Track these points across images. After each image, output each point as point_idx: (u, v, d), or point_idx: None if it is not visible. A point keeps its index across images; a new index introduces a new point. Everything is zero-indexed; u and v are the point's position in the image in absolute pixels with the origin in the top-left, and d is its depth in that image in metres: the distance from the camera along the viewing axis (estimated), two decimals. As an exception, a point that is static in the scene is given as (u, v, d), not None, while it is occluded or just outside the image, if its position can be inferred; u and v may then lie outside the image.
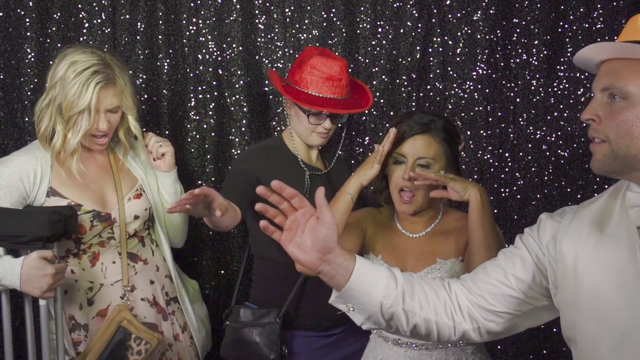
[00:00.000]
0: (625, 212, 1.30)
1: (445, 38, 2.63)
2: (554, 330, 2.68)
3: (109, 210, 2.08)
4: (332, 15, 2.58)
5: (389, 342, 1.88)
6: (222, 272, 2.61)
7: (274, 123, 2.60)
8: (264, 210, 1.30)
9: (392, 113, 2.62)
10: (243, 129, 2.57)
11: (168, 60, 2.53)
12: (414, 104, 2.63)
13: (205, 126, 2.57)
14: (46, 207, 2.01)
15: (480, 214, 1.77)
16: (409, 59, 2.62)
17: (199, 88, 2.56)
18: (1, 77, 2.43)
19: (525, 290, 1.43)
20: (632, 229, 1.27)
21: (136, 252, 2.15)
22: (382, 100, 2.63)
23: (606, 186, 2.58)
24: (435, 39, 2.63)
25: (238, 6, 2.54)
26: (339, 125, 2.26)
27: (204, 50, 2.55)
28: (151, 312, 2.15)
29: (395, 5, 2.60)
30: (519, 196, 2.71)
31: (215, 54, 2.55)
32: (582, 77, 2.66)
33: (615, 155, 1.25)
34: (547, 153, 2.71)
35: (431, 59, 2.64)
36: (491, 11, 2.63)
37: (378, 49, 2.61)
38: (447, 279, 1.51)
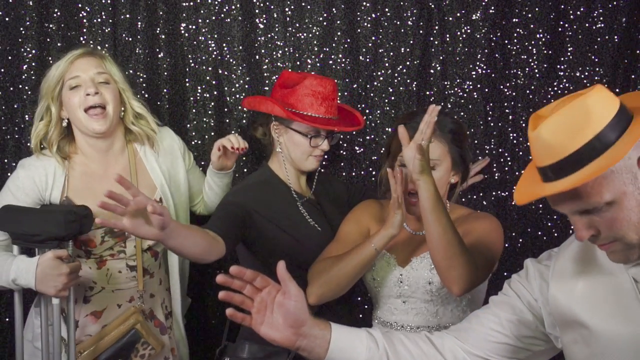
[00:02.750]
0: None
1: (446, 38, 2.63)
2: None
3: None
4: (332, 14, 2.58)
5: None
6: (222, 271, 2.60)
7: (274, 123, 2.60)
8: (228, 298, 1.29)
9: (392, 113, 2.62)
10: (243, 128, 2.57)
11: (168, 60, 2.53)
12: (414, 103, 2.63)
13: (205, 126, 2.57)
14: (62, 205, 2.01)
15: (436, 207, 1.71)
16: (409, 59, 2.62)
17: (199, 88, 2.56)
18: (1, 76, 2.43)
19: (521, 337, 1.42)
20: (629, 279, 1.28)
21: (146, 266, 2.14)
22: (382, 100, 2.63)
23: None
24: (435, 38, 2.62)
25: (238, 5, 2.53)
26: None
27: (204, 50, 2.54)
28: (150, 325, 2.14)
29: (395, 4, 2.60)
30: (519, 196, 2.70)
31: (215, 53, 2.55)
32: (582, 76, 2.66)
33: (631, 246, 1.25)
34: (547, 153, 2.70)
35: (431, 58, 2.64)
36: (491, 11, 2.63)
37: (378, 48, 2.61)
38: (434, 332, 1.48)
